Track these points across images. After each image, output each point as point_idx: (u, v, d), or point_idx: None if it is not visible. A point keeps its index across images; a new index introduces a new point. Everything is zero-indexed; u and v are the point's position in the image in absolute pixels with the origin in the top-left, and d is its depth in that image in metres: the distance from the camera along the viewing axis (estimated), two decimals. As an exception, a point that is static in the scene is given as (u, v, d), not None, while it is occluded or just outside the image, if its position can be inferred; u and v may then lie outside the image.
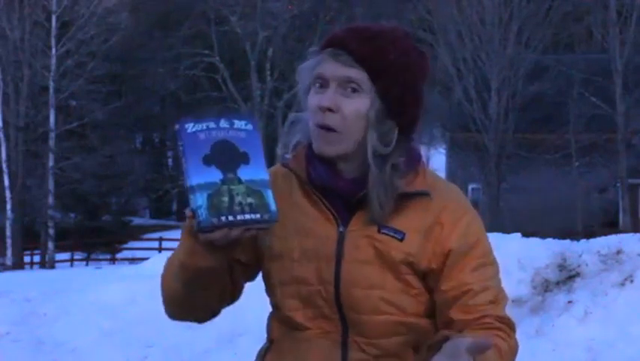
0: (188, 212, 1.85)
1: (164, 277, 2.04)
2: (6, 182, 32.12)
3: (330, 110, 1.94)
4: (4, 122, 32.63)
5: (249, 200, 1.83)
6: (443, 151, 35.51)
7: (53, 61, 33.14)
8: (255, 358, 2.15)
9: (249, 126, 1.90)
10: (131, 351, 8.32)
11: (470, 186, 31.71)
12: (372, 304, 1.96)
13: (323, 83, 1.96)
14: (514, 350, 1.98)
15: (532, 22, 31.98)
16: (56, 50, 33.31)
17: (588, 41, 37.71)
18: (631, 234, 10.38)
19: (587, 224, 28.67)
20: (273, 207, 1.85)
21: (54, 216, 33.56)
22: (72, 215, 39.35)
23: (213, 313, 2.10)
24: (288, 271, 2.01)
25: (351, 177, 1.99)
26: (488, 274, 2.00)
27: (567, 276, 9.02)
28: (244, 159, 1.87)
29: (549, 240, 10.01)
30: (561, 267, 9.15)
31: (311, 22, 37.87)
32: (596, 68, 30.83)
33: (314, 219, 2.01)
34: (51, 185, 32.96)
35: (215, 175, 1.83)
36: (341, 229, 1.99)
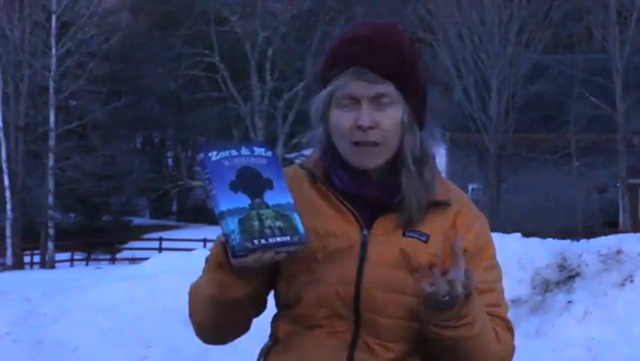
0: (220, 238, 1.89)
1: (192, 308, 2.08)
2: (6, 182, 32.12)
3: (370, 127, 1.98)
4: (4, 122, 32.63)
5: (278, 223, 1.88)
6: (443, 151, 35.50)
7: (53, 61, 33.13)
8: (257, 356, 2.16)
9: (269, 153, 1.98)
10: (131, 351, 8.31)
11: (470, 186, 31.69)
12: (392, 308, 1.98)
13: (351, 101, 2.00)
14: (510, 346, 2.07)
15: (532, 22, 31.98)
16: (56, 50, 33.31)
17: (588, 41, 37.70)
18: (631, 234, 10.39)
19: (587, 224, 28.66)
20: (301, 229, 1.90)
21: (54, 216, 33.55)
22: (72, 215, 39.37)
23: (245, 331, 2.14)
24: (311, 272, 2.01)
25: (377, 183, 2.04)
26: (494, 277, 2.08)
27: (567, 276, 9.01)
28: (268, 184, 1.93)
29: (549, 240, 10.01)
30: (561, 267, 9.15)
31: (311, 22, 37.87)
32: (596, 68, 30.83)
33: (332, 219, 2.03)
34: (51, 185, 32.96)
35: (243, 200, 1.88)
36: (365, 232, 2.02)
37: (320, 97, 2.04)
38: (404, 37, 2.05)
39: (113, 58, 35.91)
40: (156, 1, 43.95)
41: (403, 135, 2.02)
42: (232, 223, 1.85)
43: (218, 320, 2.04)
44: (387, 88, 1.99)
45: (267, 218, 1.87)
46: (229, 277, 1.92)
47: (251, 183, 1.91)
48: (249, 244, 1.84)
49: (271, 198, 1.90)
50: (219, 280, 1.94)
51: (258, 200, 1.89)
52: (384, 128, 1.99)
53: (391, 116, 2.00)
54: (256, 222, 1.86)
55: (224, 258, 1.92)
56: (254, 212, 1.87)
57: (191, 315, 2.09)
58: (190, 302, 2.09)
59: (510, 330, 2.08)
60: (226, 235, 1.86)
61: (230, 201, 1.87)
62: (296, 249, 1.91)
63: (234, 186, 1.89)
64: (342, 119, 2.00)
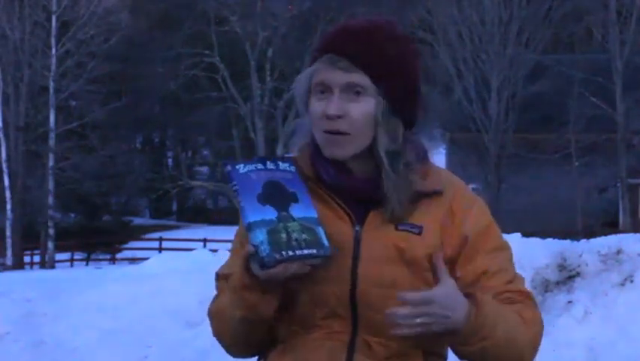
0: (250, 248, 1.90)
1: (219, 330, 2.08)
2: (6, 182, 32.14)
3: (338, 116, 1.96)
4: (4, 122, 32.64)
5: (304, 236, 1.92)
6: (443, 151, 35.50)
7: (53, 61, 33.15)
8: (256, 358, 2.15)
9: (292, 168, 2.02)
10: (131, 351, 8.31)
11: (470, 186, 31.17)
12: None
13: (325, 89, 1.98)
14: (538, 320, 2.03)
15: (532, 22, 31.99)
16: (56, 50, 33.32)
17: (588, 41, 37.69)
18: (631, 234, 10.36)
19: (587, 224, 28.67)
20: (326, 242, 1.93)
21: (54, 216, 33.56)
22: (72, 215, 39.38)
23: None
24: (308, 272, 1.99)
25: (365, 177, 2.01)
26: (503, 258, 2.04)
27: (567, 276, 9.01)
28: (293, 198, 1.97)
29: (549, 240, 10.00)
30: (561, 267, 9.14)
31: (311, 22, 37.85)
32: (596, 68, 30.83)
33: (324, 217, 2.00)
34: (51, 185, 32.97)
35: (270, 213, 1.93)
36: (357, 228, 2.00)
37: (299, 84, 2.02)
38: (394, 31, 2.01)
39: (113, 58, 35.90)
40: (156, 1, 43.93)
41: (375, 129, 1.98)
42: (261, 235, 1.89)
43: (250, 338, 2.05)
44: (361, 78, 1.95)
45: (293, 231, 1.91)
46: (257, 296, 1.93)
47: (277, 196, 1.95)
48: (277, 255, 1.87)
49: (297, 211, 1.94)
50: (248, 300, 1.94)
51: (284, 213, 1.93)
52: (352, 118, 1.95)
53: (362, 107, 1.96)
54: (283, 235, 1.90)
55: (248, 278, 1.92)
56: (281, 224, 1.91)
57: (218, 337, 2.10)
58: (215, 325, 2.09)
59: (532, 300, 2.04)
60: (255, 246, 1.89)
61: (258, 213, 1.91)
62: (320, 261, 1.93)
63: (262, 199, 1.93)
64: (315, 107, 1.99)
